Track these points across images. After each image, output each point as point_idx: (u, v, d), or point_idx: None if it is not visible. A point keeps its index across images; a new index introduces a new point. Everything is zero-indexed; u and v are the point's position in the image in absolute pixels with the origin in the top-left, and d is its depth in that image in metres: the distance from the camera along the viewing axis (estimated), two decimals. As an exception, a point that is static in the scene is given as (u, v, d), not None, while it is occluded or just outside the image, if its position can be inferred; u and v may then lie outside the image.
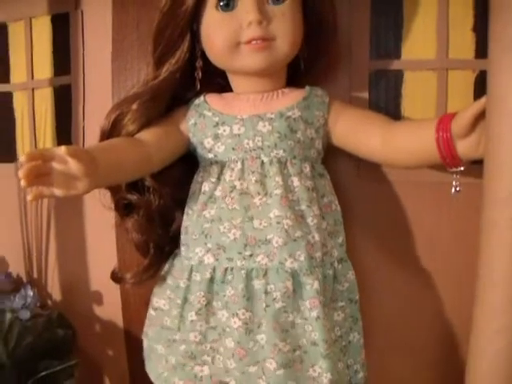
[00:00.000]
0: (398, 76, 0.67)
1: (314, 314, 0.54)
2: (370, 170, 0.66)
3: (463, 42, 0.65)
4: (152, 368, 0.64)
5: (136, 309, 0.77)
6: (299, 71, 0.63)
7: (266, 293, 0.54)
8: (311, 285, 0.54)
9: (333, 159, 0.66)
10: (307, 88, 0.61)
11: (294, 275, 0.55)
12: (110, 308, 0.82)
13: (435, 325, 0.68)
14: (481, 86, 0.63)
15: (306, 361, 0.55)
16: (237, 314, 0.55)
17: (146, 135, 0.59)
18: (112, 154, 0.54)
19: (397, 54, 0.67)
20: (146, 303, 0.68)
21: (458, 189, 0.53)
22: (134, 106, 0.58)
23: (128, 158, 0.56)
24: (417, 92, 0.67)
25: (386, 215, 0.68)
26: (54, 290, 0.86)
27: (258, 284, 0.55)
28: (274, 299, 0.54)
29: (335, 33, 0.64)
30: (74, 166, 0.45)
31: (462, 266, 0.64)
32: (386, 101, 0.67)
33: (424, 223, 0.67)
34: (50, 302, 0.86)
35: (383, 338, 0.69)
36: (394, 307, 0.69)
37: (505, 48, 0.43)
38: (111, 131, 0.59)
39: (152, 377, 0.64)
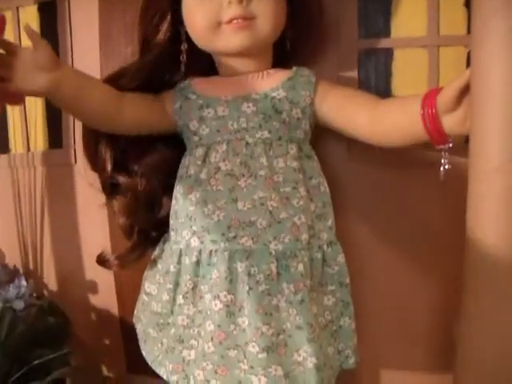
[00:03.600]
0: (388, 54, 0.66)
1: (299, 297, 0.53)
2: (361, 152, 0.65)
3: (455, 18, 0.64)
4: (148, 351, 0.64)
5: (130, 296, 0.76)
6: (286, 52, 0.62)
7: (250, 275, 0.53)
8: (295, 268, 0.54)
9: (323, 142, 0.65)
10: (293, 68, 0.60)
11: (279, 258, 0.54)
12: (105, 296, 0.82)
13: (428, 307, 0.67)
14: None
15: (291, 345, 0.54)
16: (218, 297, 0.54)
17: (129, 93, 0.59)
18: (82, 77, 0.56)
19: (386, 32, 0.65)
20: (139, 290, 0.67)
21: (446, 166, 0.51)
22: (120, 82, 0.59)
23: (98, 90, 0.57)
24: (407, 70, 0.65)
25: (378, 197, 0.67)
26: (50, 280, 0.86)
27: (241, 266, 0.54)
28: (258, 282, 0.53)
29: (321, 12, 0.63)
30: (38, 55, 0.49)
31: (454, 248, 0.62)
32: (375, 80, 0.66)
33: (416, 205, 0.66)
34: (46, 292, 0.86)
35: (376, 322, 0.68)
36: (387, 290, 0.67)
37: (486, 16, 0.42)
38: None
39: (148, 360, 0.64)
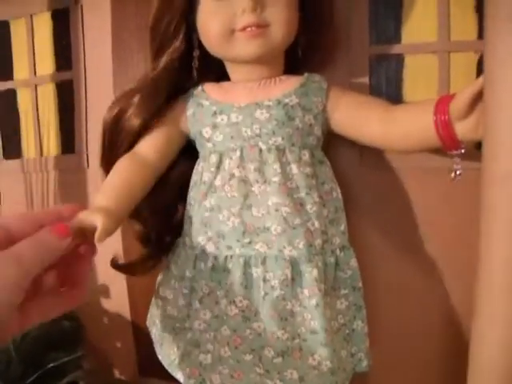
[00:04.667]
0: (399, 60, 0.66)
1: (313, 301, 0.54)
2: (373, 157, 0.65)
3: (465, 23, 0.64)
4: (164, 355, 0.65)
5: (142, 300, 0.77)
6: (297, 58, 0.62)
7: (265, 280, 0.54)
8: (310, 273, 0.54)
9: (335, 147, 0.66)
10: (305, 75, 0.61)
11: (293, 263, 0.54)
12: (117, 300, 0.82)
13: (439, 311, 0.67)
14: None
15: (306, 349, 0.55)
16: (234, 302, 0.55)
17: (149, 150, 0.60)
18: (126, 199, 0.57)
19: (397, 38, 0.66)
20: (152, 294, 0.68)
21: (458, 172, 0.52)
22: (136, 99, 0.59)
23: (139, 189, 0.59)
24: (418, 76, 0.65)
25: (390, 202, 0.67)
26: (62, 284, 0.87)
27: (256, 272, 0.55)
28: (273, 287, 0.54)
29: (332, 19, 0.63)
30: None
31: (465, 252, 0.62)
32: (386, 86, 0.66)
33: (427, 209, 0.66)
34: (58, 296, 0.87)
35: (388, 325, 0.68)
36: (399, 294, 0.68)
37: (499, 22, 0.42)
38: (114, 125, 0.60)
39: (165, 363, 0.64)
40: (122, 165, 0.59)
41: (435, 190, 0.65)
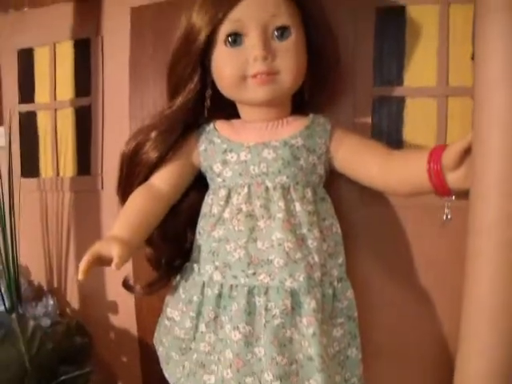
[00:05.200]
0: (400, 102, 0.70)
1: (311, 330, 0.57)
2: (373, 194, 0.69)
3: (463, 70, 0.68)
4: (170, 373, 0.68)
5: (149, 318, 0.81)
6: (304, 99, 0.66)
7: (267, 309, 0.58)
8: (309, 304, 0.58)
9: (336, 184, 0.70)
10: (310, 116, 0.65)
11: (293, 294, 0.58)
12: (125, 317, 0.86)
13: (432, 341, 0.70)
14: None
15: (302, 374, 0.58)
16: (238, 328, 0.58)
17: (163, 182, 0.65)
18: (140, 229, 0.62)
19: (399, 82, 0.70)
20: (159, 314, 0.72)
21: (449, 216, 0.56)
22: (154, 134, 0.64)
23: (153, 220, 0.63)
24: (418, 118, 0.70)
25: (388, 237, 0.71)
26: (73, 299, 0.91)
27: (259, 301, 0.59)
28: (274, 316, 0.58)
29: (338, 64, 0.67)
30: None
31: (459, 286, 0.66)
32: (388, 126, 0.70)
33: (424, 244, 0.70)
34: (68, 310, 0.91)
35: (383, 353, 0.71)
36: (394, 324, 0.71)
37: (488, 82, 0.46)
38: (132, 157, 0.65)
39: (171, 381, 0.68)
40: (138, 196, 0.64)
41: (430, 225, 0.69)
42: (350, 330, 0.64)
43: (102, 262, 0.56)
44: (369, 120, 0.71)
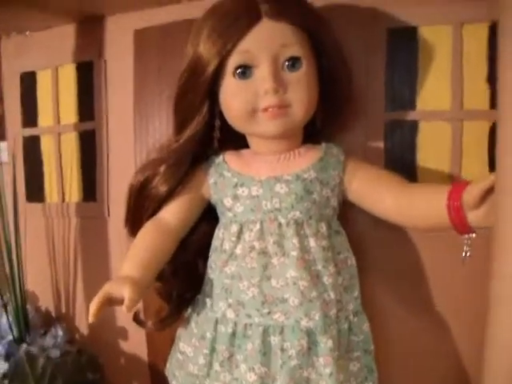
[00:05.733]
0: (413, 127, 0.68)
1: (328, 370, 0.56)
2: (387, 222, 0.68)
3: (477, 93, 0.66)
4: None
5: (160, 344, 0.80)
6: (316, 127, 0.64)
7: (282, 350, 0.57)
8: (325, 343, 0.57)
9: (350, 212, 0.67)
10: (323, 146, 0.63)
11: (309, 333, 0.57)
12: (135, 343, 0.85)
13: (450, 372, 0.69)
14: (495, 137, 0.64)
15: None
16: (253, 369, 0.57)
17: (173, 217, 0.63)
18: (150, 266, 0.60)
19: (412, 105, 0.68)
20: (170, 339, 0.71)
21: (468, 254, 0.54)
22: (162, 169, 0.62)
23: (163, 256, 0.62)
24: (432, 143, 0.68)
25: (403, 266, 0.70)
26: (82, 325, 0.90)
27: (274, 340, 0.57)
28: (290, 356, 0.56)
29: (351, 94, 0.65)
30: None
31: (476, 316, 0.65)
32: (401, 151, 0.69)
33: (440, 273, 0.68)
34: (77, 336, 0.90)
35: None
36: (411, 355, 0.70)
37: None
38: (140, 190, 0.63)
39: None
40: (147, 233, 0.62)
41: (447, 253, 0.67)
42: (366, 364, 0.63)
43: (112, 302, 0.55)
44: (381, 145, 0.69)
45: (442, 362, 0.69)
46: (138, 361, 0.85)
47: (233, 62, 0.57)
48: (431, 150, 0.68)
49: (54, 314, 0.92)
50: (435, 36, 0.67)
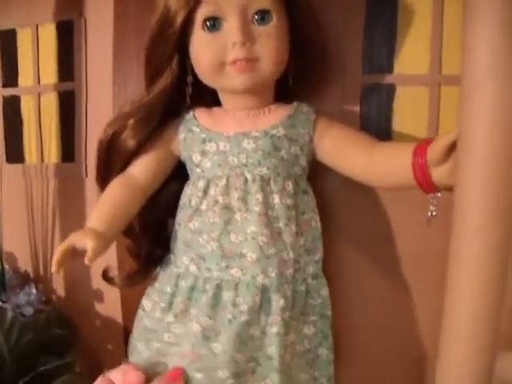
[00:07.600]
0: (390, 90, 0.67)
1: (275, 329, 0.56)
2: (357, 184, 0.67)
3: (457, 58, 0.64)
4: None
5: (134, 306, 0.79)
6: (288, 86, 0.63)
7: (234, 305, 0.56)
8: (277, 301, 0.56)
9: (321, 172, 0.67)
10: (294, 104, 0.62)
11: (264, 291, 0.57)
12: (110, 304, 0.85)
13: (413, 340, 0.69)
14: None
15: (259, 373, 0.57)
16: (199, 320, 0.57)
17: (142, 172, 0.63)
18: (116, 220, 0.60)
19: (389, 69, 0.67)
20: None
21: (433, 213, 0.53)
22: (131, 122, 0.61)
23: (129, 211, 0.62)
24: (408, 107, 0.67)
25: (373, 229, 0.69)
26: (58, 287, 0.90)
27: (227, 296, 0.57)
28: (241, 312, 0.56)
29: (324, 51, 0.64)
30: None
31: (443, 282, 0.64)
32: (377, 115, 0.67)
33: (410, 236, 0.67)
34: (54, 297, 0.90)
35: (360, 351, 0.70)
36: (373, 322, 0.70)
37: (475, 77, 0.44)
38: (109, 145, 0.63)
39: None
40: (115, 186, 0.62)
41: (417, 217, 0.66)
42: (322, 329, 0.62)
43: (75, 254, 0.55)
44: (357, 109, 0.68)
45: (405, 328, 0.69)
46: (113, 323, 0.86)
47: (201, 14, 0.56)
48: (408, 115, 0.67)
49: (32, 276, 0.92)
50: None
